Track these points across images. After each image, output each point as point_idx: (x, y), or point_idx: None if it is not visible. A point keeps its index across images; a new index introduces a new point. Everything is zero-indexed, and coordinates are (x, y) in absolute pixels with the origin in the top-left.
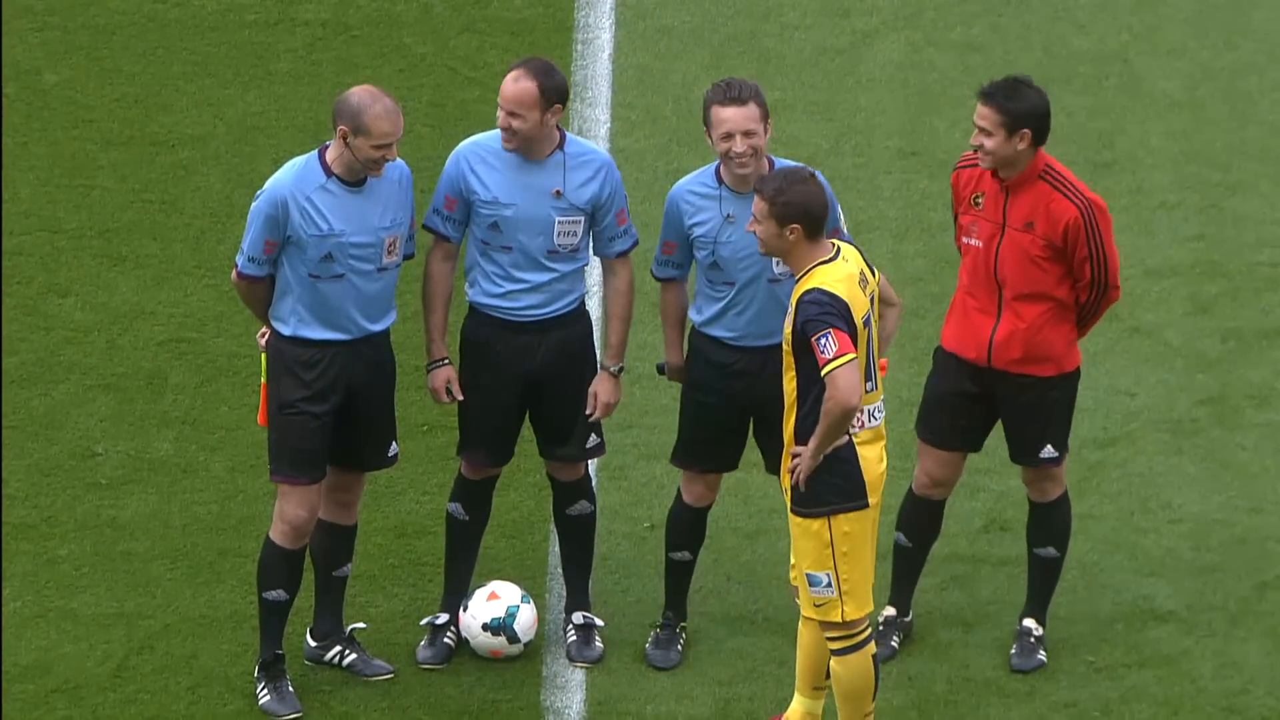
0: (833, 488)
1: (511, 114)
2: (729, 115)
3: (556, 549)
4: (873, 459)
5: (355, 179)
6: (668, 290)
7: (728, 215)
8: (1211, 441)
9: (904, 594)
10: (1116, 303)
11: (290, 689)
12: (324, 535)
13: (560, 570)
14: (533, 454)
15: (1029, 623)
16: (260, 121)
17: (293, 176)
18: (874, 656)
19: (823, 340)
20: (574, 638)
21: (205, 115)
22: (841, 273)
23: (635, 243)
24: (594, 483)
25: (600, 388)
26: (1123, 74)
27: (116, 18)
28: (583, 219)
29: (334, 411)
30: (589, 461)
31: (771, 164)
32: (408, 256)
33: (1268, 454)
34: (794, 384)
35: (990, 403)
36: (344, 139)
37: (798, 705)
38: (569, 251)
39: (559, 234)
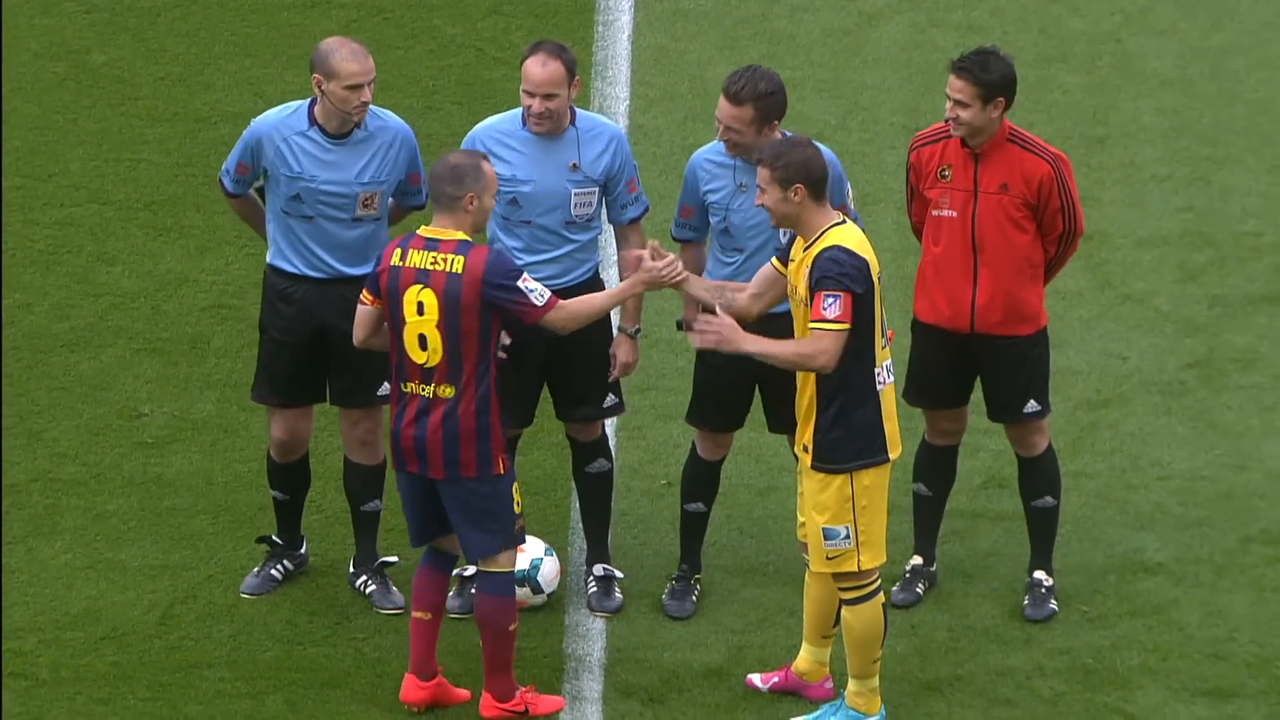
0: (856, 444)
1: (547, 96)
2: (723, 107)
3: (578, 505)
4: (892, 413)
5: (339, 131)
6: (685, 251)
7: (740, 184)
8: (1199, 402)
9: (928, 543)
10: (1105, 268)
11: (274, 575)
12: (351, 474)
13: (581, 525)
14: (555, 415)
15: (1039, 574)
16: (298, 99)
17: (277, 117)
18: (884, 605)
19: (829, 300)
20: (594, 589)
21: (245, 93)
22: (856, 236)
23: (646, 209)
24: (613, 442)
25: (619, 349)
26: (1115, 53)
27: (161, 0)
28: (597, 190)
29: (306, 345)
30: (606, 422)
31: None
32: (417, 208)
33: (1252, 414)
34: None
35: (974, 361)
36: (319, 87)
37: (806, 654)
38: (585, 221)
39: (575, 205)
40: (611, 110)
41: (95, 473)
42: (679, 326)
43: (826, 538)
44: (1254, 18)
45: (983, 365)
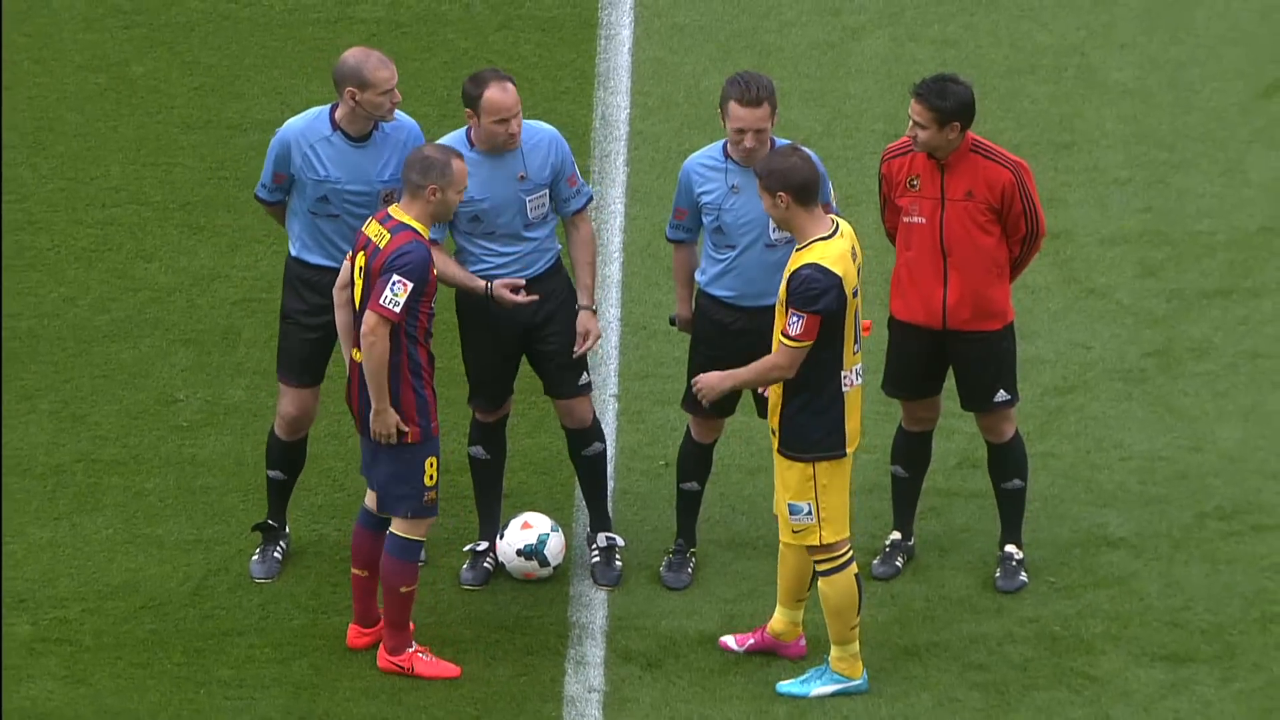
0: (819, 437)
1: (516, 118)
2: (744, 114)
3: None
4: (855, 411)
5: (359, 134)
6: (678, 251)
7: (732, 186)
8: (1158, 389)
9: (906, 519)
10: (1070, 264)
11: (277, 557)
12: None
13: (584, 502)
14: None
15: (1009, 548)
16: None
17: (302, 125)
18: (856, 576)
19: (795, 319)
20: (597, 559)
21: (274, 103)
22: (836, 251)
23: (589, 199)
24: (614, 426)
25: (581, 324)
26: (1080, 65)
27: (196, 15)
28: (547, 190)
29: (326, 329)
30: (608, 409)
31: (773, 144)
32: None
33: (1207, 399)
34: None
35: (946, 355)
36: (353, 98)
37: (780, 615)
38: (542, 219)
39: (530, 209)
40: (613, 118)
41: (134, 454)
42: (671, 321)
43: (791, 512)
44: (1209, 32)
45: (954, 359)
